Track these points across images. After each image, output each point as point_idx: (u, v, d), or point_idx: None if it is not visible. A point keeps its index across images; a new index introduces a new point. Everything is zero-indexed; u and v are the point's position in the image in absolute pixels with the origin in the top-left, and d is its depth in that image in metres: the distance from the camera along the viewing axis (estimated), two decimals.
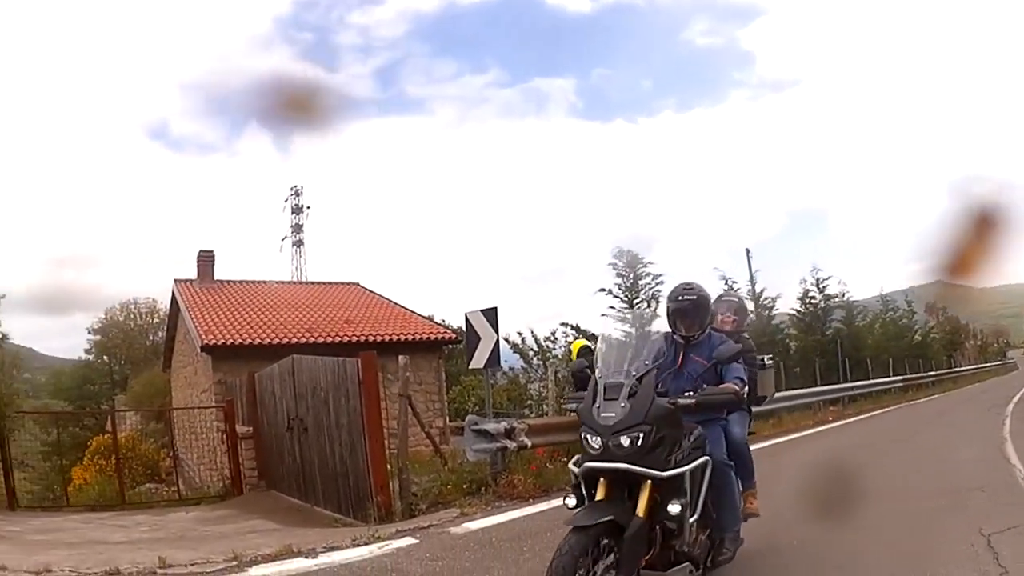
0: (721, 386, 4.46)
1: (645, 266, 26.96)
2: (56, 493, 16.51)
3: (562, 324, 26.60)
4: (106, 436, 20.38)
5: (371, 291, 23.81)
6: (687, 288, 4.86)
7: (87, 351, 43.38)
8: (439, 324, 23.73)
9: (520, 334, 26.57)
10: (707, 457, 4.28)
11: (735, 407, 4.87)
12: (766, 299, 30.09)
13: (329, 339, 18.51)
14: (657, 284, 26.41)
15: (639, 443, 3.85)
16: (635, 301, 26.34)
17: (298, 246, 43.90)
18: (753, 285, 29.69)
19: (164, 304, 36.28)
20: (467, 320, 10.23)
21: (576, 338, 21.81)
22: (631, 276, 26.92)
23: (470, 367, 10.82)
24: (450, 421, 19.60)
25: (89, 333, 42.76)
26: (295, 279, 38.37)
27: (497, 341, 9.82)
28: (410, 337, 19.58)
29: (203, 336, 17.59)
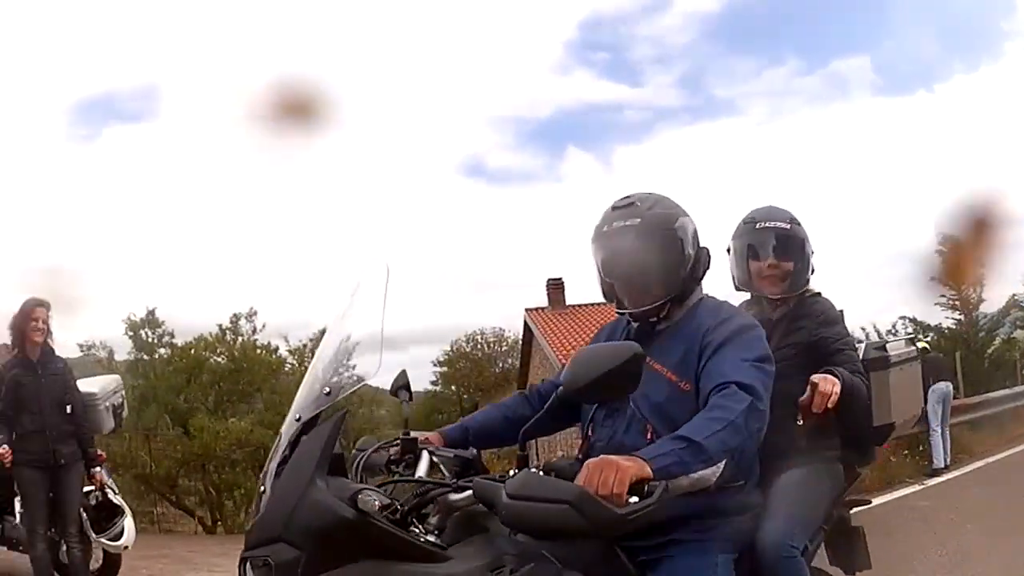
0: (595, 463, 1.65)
1: None
2: None
3: (900, 317, 24.50)
4: None
5: (718, 300, 23.46)
6: (622, 205, 2.24)
7: (433, 383, 45.53)
8: None
9: (863, 329, 24.95)
10: None
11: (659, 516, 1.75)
12: None
13: None
14: None
15: None
16: None
17: None
18: None
19: (510, 333, 39.30)
20: None
21: (914, 332, 20.08)
22: None
23: None
24: None
25: (434, 365, 44.94)
26: None
27: None
28: None
29: (562, 360, 18.24)
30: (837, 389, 2.45)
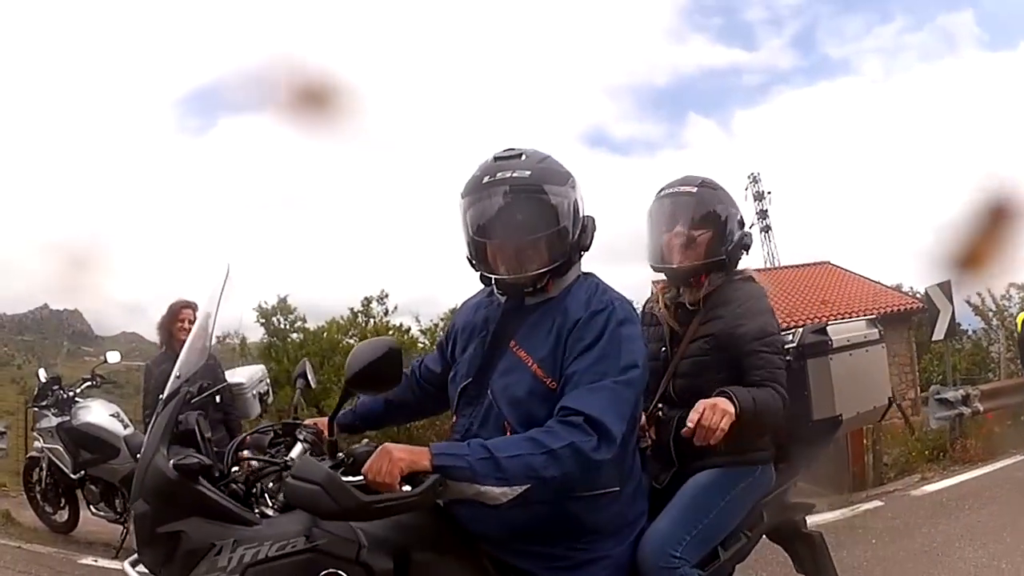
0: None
1: None
2: None
3: (1010, 284, 24.00)
4: None
5: (841, 268, 23.71)
6: (508, 155, 1.99)
7: None
8: (906, 294, 22.79)
9: (980, 295, 24.65)
10: None
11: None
12: None
13: (809, 322, 18.60)
14: None
15: (139, 532, 2.02)
16: None
17: (766, 232, 43.98)
18: None
19: (639, 304, 39.55)
20: (927, 295, 10.65)
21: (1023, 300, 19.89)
22: None
23: (932, 340, 11.16)
24: (921, 391, 18.85)
25: None
26: (767, 265, 38.53)
27: (953, 313, 10.02)
28: (881, 311, 19.11)
29: None
30: (727, 422, 2.12)
